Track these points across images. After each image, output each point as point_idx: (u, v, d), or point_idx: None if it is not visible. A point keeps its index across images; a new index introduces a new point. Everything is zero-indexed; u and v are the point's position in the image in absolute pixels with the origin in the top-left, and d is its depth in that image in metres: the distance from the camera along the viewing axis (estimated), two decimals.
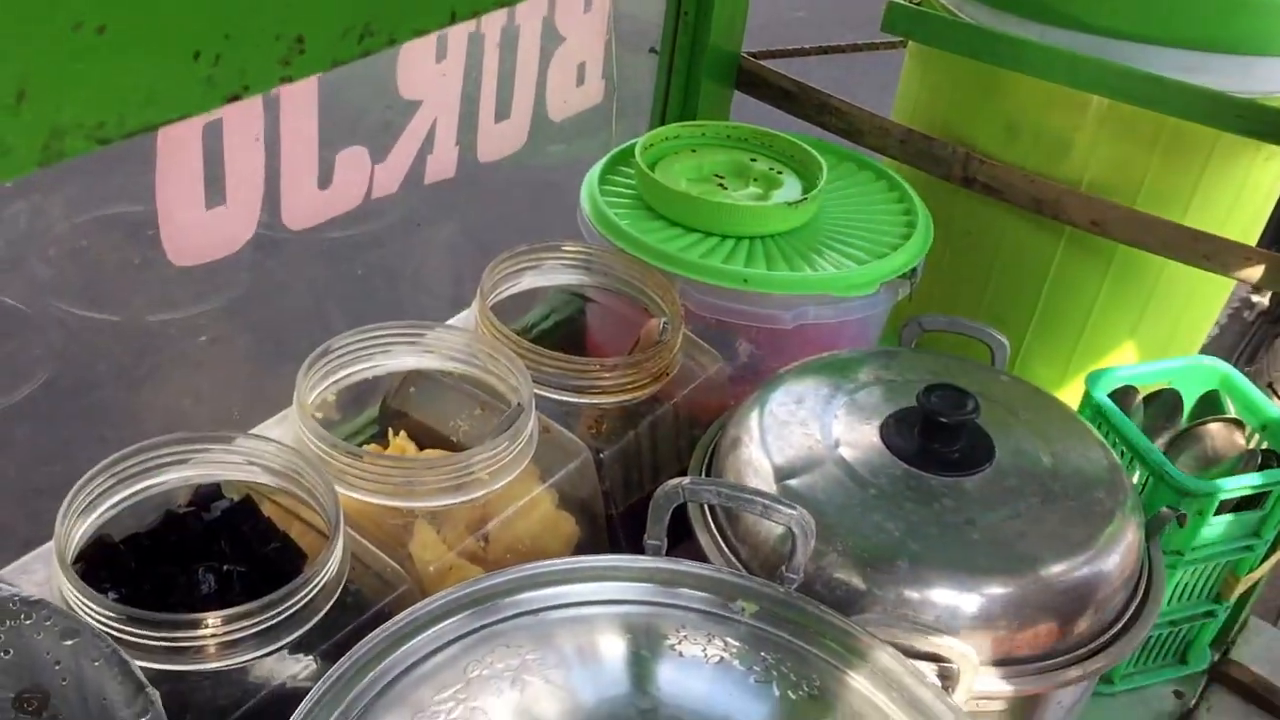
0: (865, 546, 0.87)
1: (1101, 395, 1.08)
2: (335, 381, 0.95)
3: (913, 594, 0.85)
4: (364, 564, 0.83)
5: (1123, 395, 1.12)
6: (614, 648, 0.76)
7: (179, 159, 0.79)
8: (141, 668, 0.65)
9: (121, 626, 0.69)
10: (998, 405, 1.00)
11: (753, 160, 1.28)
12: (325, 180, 0.92)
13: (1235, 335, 3.27)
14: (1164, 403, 1.13)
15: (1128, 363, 1.17)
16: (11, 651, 0.63)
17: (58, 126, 0.35)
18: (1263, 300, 2.91)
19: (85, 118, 0.36)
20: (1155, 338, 1.26)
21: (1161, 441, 1.09)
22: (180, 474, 0.83)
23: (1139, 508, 0.96)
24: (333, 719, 0.67)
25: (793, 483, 0.91)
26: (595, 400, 0.99)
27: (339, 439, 0.87)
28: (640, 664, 0.76)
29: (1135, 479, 1.03)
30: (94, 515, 0.80)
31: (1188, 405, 1.14)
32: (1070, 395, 1.11)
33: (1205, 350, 1.46)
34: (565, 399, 0.98)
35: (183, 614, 0.72)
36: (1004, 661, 0.87)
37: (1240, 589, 1.09)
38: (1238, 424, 1.08)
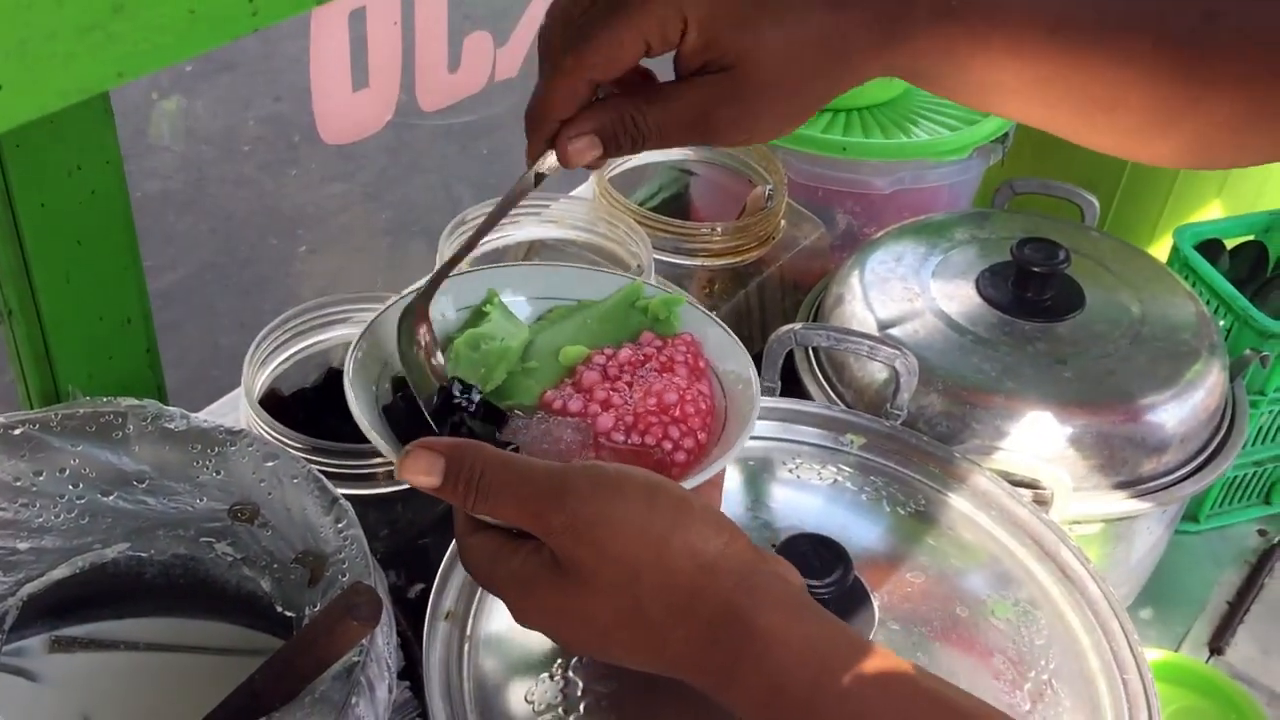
0: (963, 385, 0.93)
1: (1188, 247, 1.13)
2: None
3: (1009, 427, 0.92)
4: None
5: (1210, 249, 1.16)
6: (732, 474, 0.84)
7: (330, 44, 0.87)
8: None
9: (308, 455, 0.79)
10: (1088, 258, 1.06)
11: None
12: (454, 63, 1.00)
13: None
14: (1250, 255, 1.17)
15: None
16: (222, 473, 0.73)
17: None
18: None
19: None
20: (1243, 196, 1.29)
21: (1248, 292, 1.14)
22: (340, 332, 0.93)
23: (1223, 349, 1.01)
24: None
25: (894, 331, 0.98)
26: (706, 262, 1.07)
27: None
28: (759, 486, 0.85)
29: (1222, 325, 1.09)
30: (267, 370, 0.90)
31: (1274, 257, 1.18)
32: (1159, 256, 1.15)
33: None
34: (679, 261, 1.06)
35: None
36: (1095, 488, 0.94)
37: None
38: None
